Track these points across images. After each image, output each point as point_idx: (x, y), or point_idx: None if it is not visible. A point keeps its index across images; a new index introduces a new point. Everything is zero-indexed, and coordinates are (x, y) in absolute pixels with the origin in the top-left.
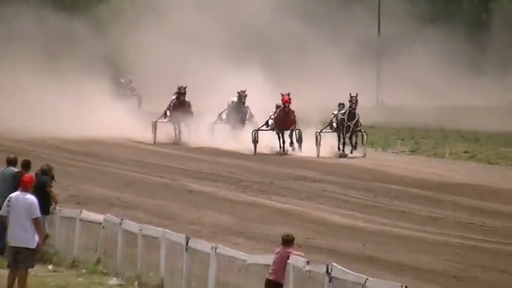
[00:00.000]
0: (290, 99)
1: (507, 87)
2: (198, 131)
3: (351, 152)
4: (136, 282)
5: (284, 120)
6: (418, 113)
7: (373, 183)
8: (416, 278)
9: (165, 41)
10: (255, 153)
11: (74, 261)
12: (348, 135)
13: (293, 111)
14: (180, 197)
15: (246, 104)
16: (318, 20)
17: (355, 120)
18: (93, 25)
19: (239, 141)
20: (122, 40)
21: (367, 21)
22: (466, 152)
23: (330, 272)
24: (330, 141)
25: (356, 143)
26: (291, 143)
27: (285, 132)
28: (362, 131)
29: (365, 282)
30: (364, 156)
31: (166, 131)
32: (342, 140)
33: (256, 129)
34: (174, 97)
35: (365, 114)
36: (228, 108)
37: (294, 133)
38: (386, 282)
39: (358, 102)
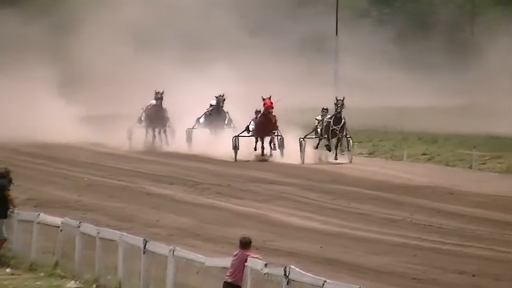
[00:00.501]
0: (272, 103)
1: (463, 87)
2: (174, 137)
3: (336, 159)
4: (94, 285)
5: (265, 125)
6: (376, 114)
7: (331, 186)
8: (375, 280)
9: (115, 38)
10: (236, 160)
11: (32, 265)
12: (334, 140)
13: (274, 116)
14: (138, 199)
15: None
16: (274, 23)
17: (341, 125)
18: (41, 23)
19: (218, 147)
20: (71, 38)
21: (324, 23)
22: (424, 154)
23: (288, 274)
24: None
25: (336, 147)
26: (271, 149)
27: (265, 138)
28: (348, 136)
29: (323, 285)
30: (351, 162)
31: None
32: (332, 146)
33: (237, 135)
34: (151, 102)
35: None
36: (206, 112)
37: (276, 139)
38: (344, 284)
39: (345, 105)
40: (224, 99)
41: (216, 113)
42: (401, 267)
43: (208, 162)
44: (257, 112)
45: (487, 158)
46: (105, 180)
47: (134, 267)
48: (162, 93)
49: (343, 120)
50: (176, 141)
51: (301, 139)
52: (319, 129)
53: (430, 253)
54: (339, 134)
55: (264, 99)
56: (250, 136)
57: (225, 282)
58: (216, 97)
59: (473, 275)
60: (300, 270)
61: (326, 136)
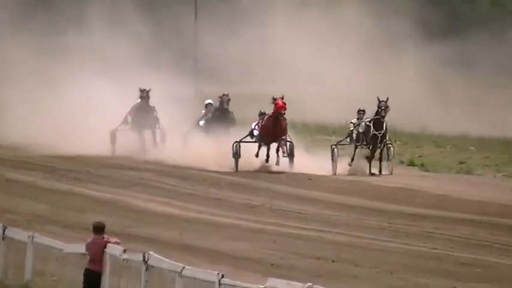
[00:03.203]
0: (285, 103)
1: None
2: (165, 140)
3: (380, 172)
4: None
5: (275, 130)
6: (237, 102)
7: (189, 171)
8: (234, 266)
9: None
10: (237, 169)
11: None
12: (375, 148)
13: (285, 119)
14: None
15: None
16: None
17: (383, 130)
18: None
19: (222, 152)
20: None
21: (184, 7)
22: None
23: (146, 260)
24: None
25: (381, 158)
26: (278, 157)
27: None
28: (388, 143)
29: (181, 271)
30: (391, 173)
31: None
32: (372, 154)
33: (238, 140)
34: (137, 101)
35: (184, 105)
36: (206, 114)
37: (285, 146)
38: (203, 270)
39: (389, 108)
40: (229, 99)
41: (220, 114)
42: (259, 252)
43: (66, 148)
44: (262, 114)
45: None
46: None
47: None
48: (149, 91)
49: (385, 125)
50: (168, 145)
51: (334, 146)
52: (354, 135)
53: (288, 239)
54: (381, 141)
55: (275, 99)
56: (254, 142)
57: (86, 269)
58: (220, 97)
59: (332, 261)
60: (159, 256)
61: (365, 143)
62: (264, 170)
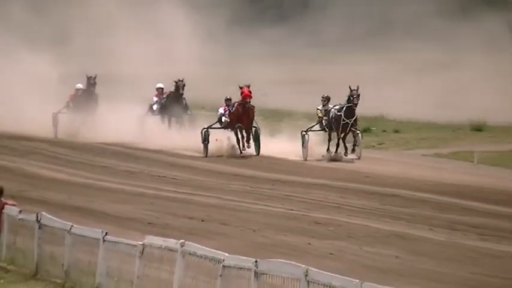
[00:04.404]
0: (251, 92)
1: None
2: (104, 124)
3: (345, 154)
4: None
5: (243, 116)
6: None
7: (77, 142)
8: (117, 225)
9: None
10: (206, 155)
11: None
12: (342, 135)
13: (253, 107)
14: None
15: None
16: None
17: (354, 118)
18: None
19: (179, 138)
20: None
21: None
22: None
23: (39, 220)
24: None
25: (355, 144)
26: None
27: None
28: (357, 130)
29: (70, 229)
30: (359, 158)
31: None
32: (338, 141)
33: (207, 127)
34: (78, 87)
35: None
36: (159, 100)
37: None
38: (89, 228)
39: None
40: (184, 85)
41: (175, 99)
42: (139, 213)
43: None
44: (228, 100)
45: None
46: None
47: None
48: (95, 78)
49: (356, 114)
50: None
51: (304, 132)
52: (324, 121)
53: (164, 201)
54: (351, 128)
55: (241, 88)
56: (222, 128)
57: None
58: (175, 82)
59: (202, 220)
60: (51, 216)
61: (336, 130)
62: (235, 156)
